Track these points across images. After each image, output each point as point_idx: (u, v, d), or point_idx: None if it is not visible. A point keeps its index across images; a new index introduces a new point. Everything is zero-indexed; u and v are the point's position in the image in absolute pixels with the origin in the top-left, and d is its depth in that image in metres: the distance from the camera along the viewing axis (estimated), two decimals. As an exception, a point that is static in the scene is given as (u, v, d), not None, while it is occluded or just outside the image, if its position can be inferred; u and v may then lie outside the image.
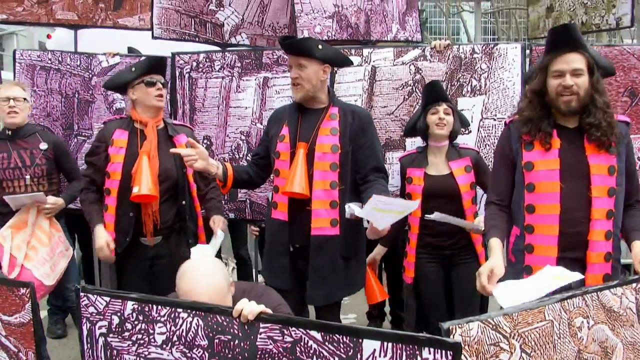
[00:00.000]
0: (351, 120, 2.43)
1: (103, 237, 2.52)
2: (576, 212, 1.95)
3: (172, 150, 2.42)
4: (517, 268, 2.08)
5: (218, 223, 2.65)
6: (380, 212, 2.12)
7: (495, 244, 1.99)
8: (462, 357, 1.32)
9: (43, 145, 3.03)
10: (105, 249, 2.51)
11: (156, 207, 2.53)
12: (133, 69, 2.61)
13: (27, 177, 2.98)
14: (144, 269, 2.57)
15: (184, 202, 2.63)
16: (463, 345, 1.32)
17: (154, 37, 3.47)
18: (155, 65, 2.64)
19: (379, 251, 2.90)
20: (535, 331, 1.44)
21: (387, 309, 3.79)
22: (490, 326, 1.38)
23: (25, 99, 3.02)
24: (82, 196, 2.66)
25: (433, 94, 2.66)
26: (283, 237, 2.44)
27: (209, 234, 2.83)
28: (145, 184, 2.43)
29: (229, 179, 2.45)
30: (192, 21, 3.44)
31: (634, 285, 1.67)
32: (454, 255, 2.62)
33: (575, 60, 1.94)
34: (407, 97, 3.12)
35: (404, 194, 2.67)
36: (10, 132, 3.02)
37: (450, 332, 1.32)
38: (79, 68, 3.49)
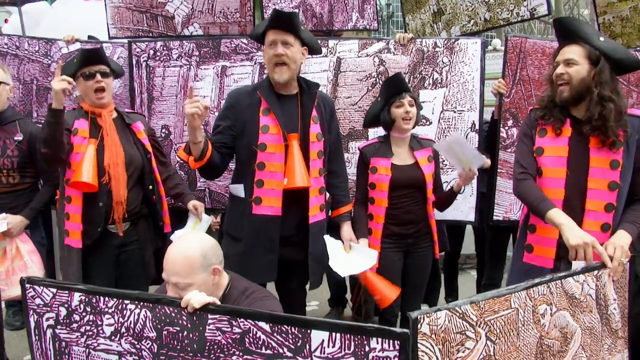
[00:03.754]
0: (323, 106, 2.40)
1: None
2: (575, 200, 2.00)
3: (192, 85, 2.06)
4: (520, 245, 2.17)
5: (201, 209, 2.65)
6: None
7: (560, 212, 1.93)
8: (429, 345, 1.30)
9: (18, 136, 2.79)
10: (66, 82, 2.24)
11: (125, 194, 2.43)
12: (75, 60, 2.47)
13: None
14: (112, 257, 2.49)
15: (150, 187, 2.57)
16: (430, 334, 1.30)
17: (110, 38, 3.38)
18: (91, 56, 2.46)
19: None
20: (501, 319, 1.44)
21: (348, 295, 3.78)
22: (458, 315, 1.36)
23: (2, 82, 2.76)
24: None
25: (396, 86, 2.60)
26: (272, 231, 2.28)
27: (177, 218, 2.81)
28: (87, 172, 2.34)
29: (206, 156, 2.18)
30: (144, 17, 3.37)
31: (595, 272, 1.70)
32: (415, 243, 2.65)
33: (569, 52, 2.01)
34: (370, 88, 3.11)
35: (364, 183, 2.64)
36: None
37: (418, 321, 1.28)
38: (37, 54, 3.30)
